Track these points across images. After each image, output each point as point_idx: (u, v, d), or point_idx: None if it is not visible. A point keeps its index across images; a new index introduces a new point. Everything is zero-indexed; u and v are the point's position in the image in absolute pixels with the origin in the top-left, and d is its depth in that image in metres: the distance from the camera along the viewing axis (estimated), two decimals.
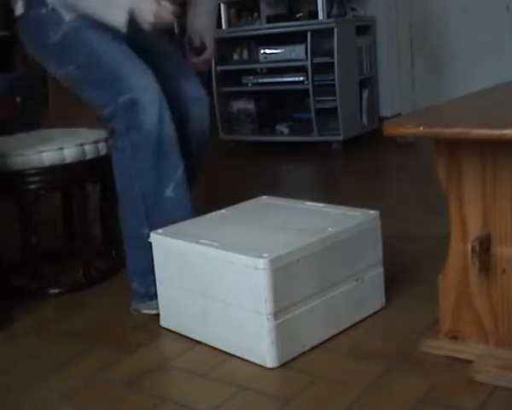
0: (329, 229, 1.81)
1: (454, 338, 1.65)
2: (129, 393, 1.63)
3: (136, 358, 1.81)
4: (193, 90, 2.18)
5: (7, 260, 2.45)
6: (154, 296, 1.98)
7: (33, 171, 2.21)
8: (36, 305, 2.20)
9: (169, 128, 1.94)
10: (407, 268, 2.21)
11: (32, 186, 2.23)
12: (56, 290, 2.30)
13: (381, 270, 1.93)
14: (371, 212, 1.93)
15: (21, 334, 2.02)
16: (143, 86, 1.93)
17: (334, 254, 1.79)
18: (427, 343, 1.69)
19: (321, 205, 2.05)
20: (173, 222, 1.95)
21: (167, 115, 1.94)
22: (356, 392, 1.53)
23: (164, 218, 1.96)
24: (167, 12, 1.88)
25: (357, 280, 1.85)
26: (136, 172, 1.95)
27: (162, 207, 1.96)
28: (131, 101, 1.91)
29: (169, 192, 1.95)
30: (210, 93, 1.95)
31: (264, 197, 2.19)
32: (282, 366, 1.67)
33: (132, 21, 1.88)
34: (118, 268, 2.38)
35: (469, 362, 1.56)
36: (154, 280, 1.95)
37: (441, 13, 4.70)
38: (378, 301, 1.94)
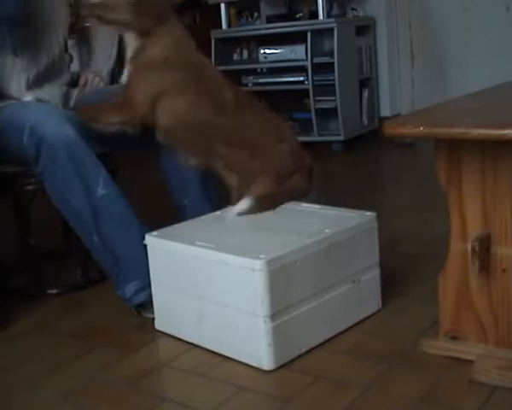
0: (326, 230, 1.80)
1: (454, 338, 1.65)
2: (129, 393, 1.63)
3: (136, 358, 1.81)
4: None
5: (6, 261, 2.45)
6: (149, 302, 1.97)
7: (31, 172, 2.21)
8: (35, 305, 2.20)
9: (71, 131, 1.98)
10: (406, 268, 2.21)
11: (29, 187, 2.23)
12: (55, 291, 2.30)
13: (377, 271, 1.93)
14: (368, 213, 1.92)
15: (21, 334, 2.02)
16: (34, 112, 2.05)
17: (331, 255, 1.78)
18: (427, 343, 1.68)
19: (317, 206, 2.04)
20: (115, 220, 1.98)
21: (65, 122, 1.99)
22: (356, 392, 1.53)
23: (105, 218, 1.99)
24: None
25: (354, 282, 1.85)
26: (63, 185, 1.99)
27: (100, 207, 1.98)
28: (31, 128, 1.98)
29: (100, 190, 1.98)
30: None
31: None
32: (281, 367, 1.67)
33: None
34: None
35: (469, 362, 1.56)
36: (140, 286, 1.96)
37: (441, 13, 4.70)
38: (375, 302, 1.93)
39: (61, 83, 2.32)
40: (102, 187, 1.98)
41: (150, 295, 1.96)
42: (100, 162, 2.01)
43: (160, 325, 1.94)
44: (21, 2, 2.11)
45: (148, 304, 1.97)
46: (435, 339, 1.68)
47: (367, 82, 4.78)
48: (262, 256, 1.63)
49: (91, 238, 2.01)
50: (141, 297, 1.98)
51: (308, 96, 4.51)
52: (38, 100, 2.19)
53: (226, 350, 1.74)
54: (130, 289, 1.99)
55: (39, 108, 2.08)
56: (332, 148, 4.54)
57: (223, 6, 4.93)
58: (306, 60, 4.47)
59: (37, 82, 2.22)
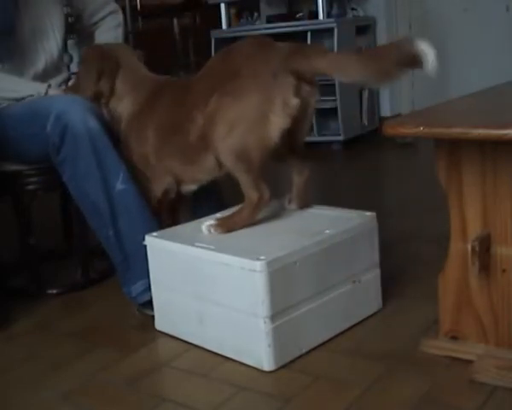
0: (326, 231, 1.80)
1: (454, 338, 1.65)
2: (129, 393, 1.63)
3: (136, 358, 1.81)
4: None
5: (6, 261, 2.45)
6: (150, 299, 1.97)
7: (32, 171, 2.21)
8: (35, 305, 2.20)
9: (96, 124, 2.00)
10: (406, 268, 2.21)
11: (30, 187, 2.23)
12: (55, 291, 2.30)
13: (377, 271, 1.93)
14: (368, 213, 1.92)
15: (21, 334, 2.02)
16: (59, 101, 2.06)
17: (331, 256, 1.78)
18: (427, 343, 1.68)
19: (317, 207, 2.04)
20: (131, 216, 1.98)
21: (90, 114, 2.01)
22: (356, 392, 1.53)
23: (121, 213, 1.99)
24: None
25: (354, 282, 1.85)
26: (83, 176, 2.00)
27: (118, 202, 1.98)
28: (56, 116, 2.00)
29: (119, 185, 1.99)
30: None
31: None
32: (281, 367, 1.66)
33: None
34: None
35: (469, 362, 1.56)
36: (148, 285, 1.95)
37: (441, 13, 4.70)
38: (375, 302, 1.93)
39: (59, 80, 2.32)
40: (121, 182, 1.99)
41: None
42: (121, 158, 2.02)
43: (159, 324, 1.94)
44: (8, 16, 2.12)
45: (151, 303, 1.97)
46: (435, 339, 1.68)
47: None
48: (262, 257, 1.62)
49: (106, 232, 2.00)
50: (146, 297, 1.98)
51: None
52: None
53: (226, 350, 1.74)
54: (137, 288, 1.99)
55: (65, 98, 2.10)
56: (332, 148, 4.54)
57: (223, 6, 4.93)
58: None
59: (35, 81, 2.23)
